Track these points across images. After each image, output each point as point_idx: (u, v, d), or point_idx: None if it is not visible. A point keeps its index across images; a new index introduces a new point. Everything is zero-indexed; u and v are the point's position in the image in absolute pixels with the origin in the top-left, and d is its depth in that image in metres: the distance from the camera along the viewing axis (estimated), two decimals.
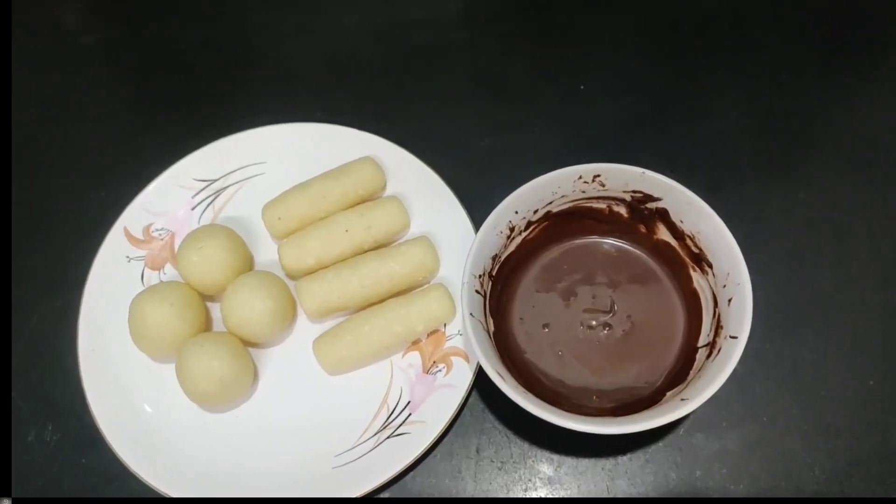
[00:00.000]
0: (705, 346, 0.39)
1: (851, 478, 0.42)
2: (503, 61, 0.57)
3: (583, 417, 0.35)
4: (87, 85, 0.58)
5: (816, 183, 0.51)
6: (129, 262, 0.48)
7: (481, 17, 0.60)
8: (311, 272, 0.46)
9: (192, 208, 0.50)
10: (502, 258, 0.42)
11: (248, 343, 0.45)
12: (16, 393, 0.46)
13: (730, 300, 0.37)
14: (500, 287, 0.43)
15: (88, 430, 0.43)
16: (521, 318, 0.43)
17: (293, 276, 0.46)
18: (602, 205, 0.42)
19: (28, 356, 0.47)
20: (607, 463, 0.42)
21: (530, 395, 0.36)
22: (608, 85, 0.56)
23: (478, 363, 0.42)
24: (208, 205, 0.50)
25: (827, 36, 0.58)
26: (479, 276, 0.39)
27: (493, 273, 0.41)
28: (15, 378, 0.46)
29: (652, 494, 0.42)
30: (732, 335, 0.36)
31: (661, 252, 0.43)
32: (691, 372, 0.39)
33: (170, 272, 0.48)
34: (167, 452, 0.42)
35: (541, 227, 0.43)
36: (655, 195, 0.40)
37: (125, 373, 0.44)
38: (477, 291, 0.39)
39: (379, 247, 0.47)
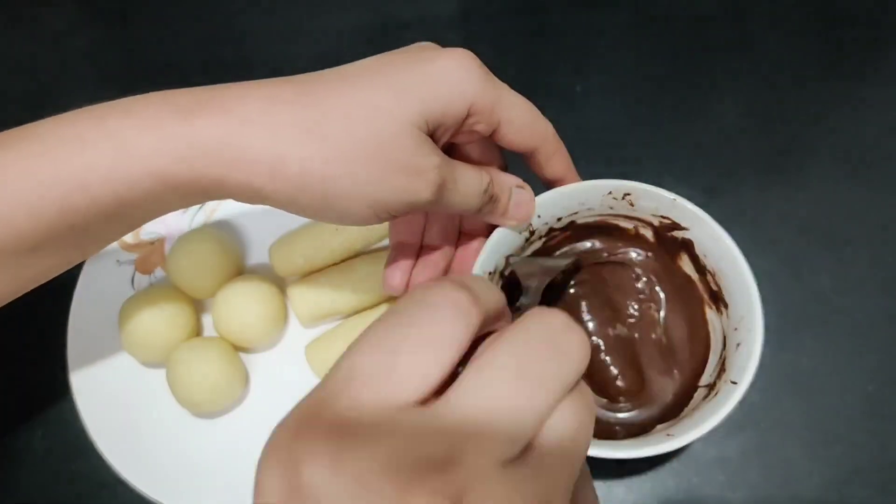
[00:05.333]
0: (705, 385, 0.38)
1: (851, 485, 0.41)
2: (498, 62, 0.56)
3: None
4: (76, 87, 0.58)
5: (816, 186, 0.50)
6: (119, 265, 0.47)
7: (476, 17, 0.59)
8: (301, 272, 0.45)
9: (184, 212, 0.49)
10: None
11: (239, 348, 0.44)
12: (4, 400, 0.45)
13: (738, 344, 0.36)
14: (510, 288, 0.42)
15: (78, 437, 0.42)
16: None
17: (284, 277, 0.46)
18: (629, 224, 0.41)
19: (16, 362, 0.46)
20: (603, 468, 0.42)
21: None
22: (605, 86, 0.55)
23: None
24: (199, 208, 0.49)
25: (826, 37, 0.57)
26: (490, 273, 0.39)
27: (506, 273, 0.41)
28: (3, 384, 0.46)
29: (649, 501, 0.41)
30: (733, 381, 0.35)
31: (680, 283, 0.42)
32: (686, 409, 0.38)
33: (160, 276, 0.47)
34: (158, 458, 0.42)
35: (563, 235, 0.42)
36: (683, 224, 0.39)
37: (115, 378, 0.44)
38: None
39: (371, 246, 0.46)
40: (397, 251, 0.38)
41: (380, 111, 0.29)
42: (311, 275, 0.45)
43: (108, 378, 0.44)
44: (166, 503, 0.40)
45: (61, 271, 0.33)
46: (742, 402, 0.43)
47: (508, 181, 0.36)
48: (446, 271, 0.39)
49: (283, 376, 0.45)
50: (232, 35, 0.60)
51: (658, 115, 0.54)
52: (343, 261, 0.45)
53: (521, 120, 0.33)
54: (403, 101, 0.29)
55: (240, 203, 0.48)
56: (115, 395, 0.43)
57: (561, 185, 0.38)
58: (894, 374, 0.44)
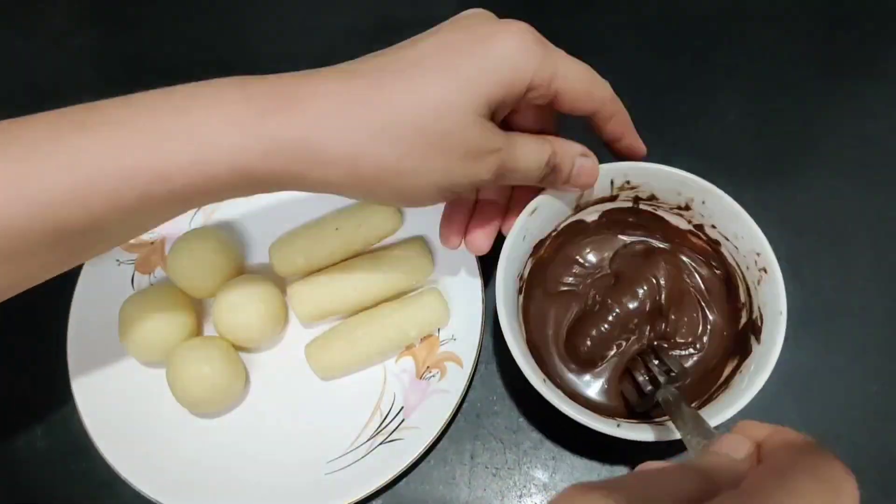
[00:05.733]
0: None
1: None
2: None
3: (596, 416, 0.36)
4: (77, 86, 0.58)
5: (817, 185, 0.50)
6: (119, 265, 0.47)
7: None
8: (301, 272, 0.45)
9: None
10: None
11: (239, 348, 0.44)
12: (4, 399, 0.45)
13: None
14: (548, 253, 0.44)
15: (78, 437, 0.42)
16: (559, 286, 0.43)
17: (284, 277, 0.46)
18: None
19: (16, 361, 0.46)
20: (603, 468, 0.42)
21: (536, 368, 0.37)
22: None
23: (472, 368, 0.42)
24: (199, 208, 0.49)
25: (828, 36, 0.57)
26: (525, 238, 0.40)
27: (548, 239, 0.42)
28: (3, 384, 0.46)
29: None
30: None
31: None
32: (713, 388, 0.39)
33: (160, 276, 0.47)
34: (158, 458, 0.42)
35: (641, 215, 0.44)
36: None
37: (115, 378, 0.44)
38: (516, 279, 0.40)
39: (370, 246, 0.46)
40: (452, 207, 0.39)
41: (446, 105, 0.30)
42: (311, 274, 0.45)
43: (108, 378, 0.44)
44: (166, 503, 0.40)
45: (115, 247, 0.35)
46: None
47: (572, 150, 0.37)
48: (500, 225, 0.40)
49: (283, 376, 0.45)
50: (232, 35, 0.60)
51: (657, 116, 0.54)
52: (343, 261, 0.45)
53: (579, 88, 0.34)
54: (468, 92, 0.30)
55: (240, 203, 0.49)
56: (115, 395, 0.43)
57: (618, 145, 0.38)
58: (895, 373, 0.44)
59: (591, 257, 0.44)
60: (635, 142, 0.39)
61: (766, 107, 0.54)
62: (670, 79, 0.56)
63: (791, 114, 0.54)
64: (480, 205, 0.40)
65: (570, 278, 0.44)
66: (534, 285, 0.43)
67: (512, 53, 0.31)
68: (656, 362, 0.38)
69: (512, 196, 0.41)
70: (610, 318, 0.41)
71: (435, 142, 0.30)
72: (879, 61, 0.56)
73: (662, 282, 0.42)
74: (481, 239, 0.39)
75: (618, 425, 0.36)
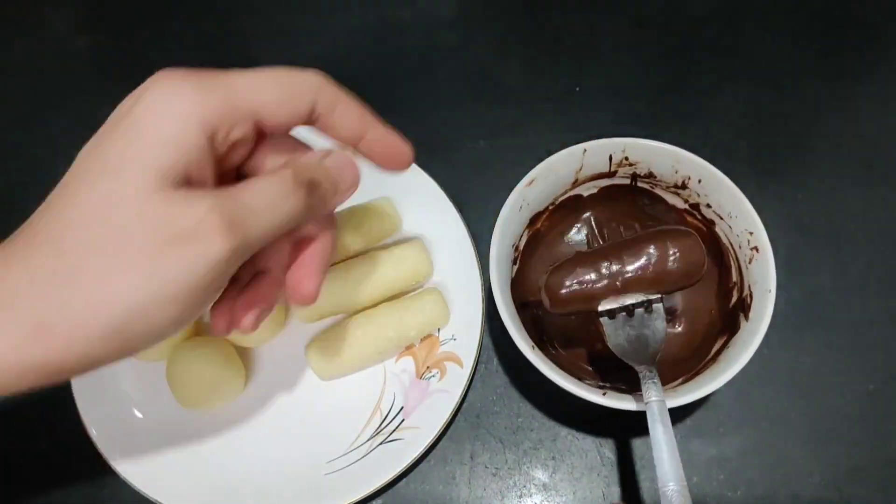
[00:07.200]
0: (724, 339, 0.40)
1: (851, 484, 0.41)
2: (497, 63, 0.57)
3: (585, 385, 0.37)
4: (79, 88, 0.58)
5: (814, 185, 0.50)
6: None
7: (475, 17, 0.59)
8: None
9: None
10: (558, 202, 0.44)
11: (239, 347, 0.44)
12: (4, 400, 0.45)
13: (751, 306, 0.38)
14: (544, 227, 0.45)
15: (78, 436, 0.42)
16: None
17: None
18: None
19: None
20: (603, 469, 0.42)
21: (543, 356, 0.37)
22: (604, 86, 0.55)
23: (472, 368, 0.42)
24: None
25: (825, 37, 0.57)
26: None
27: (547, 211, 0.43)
28: None
29: (648, 501, 0.41)
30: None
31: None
32: (700, 364, 0.39)
33: None
34: (158, 458, 0.42)
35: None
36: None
37: (115, 378, 0.44)
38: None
39: (369, 247, 0.46)
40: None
41: (105, 202, 0.24)
42: None
43: (108, 378, 0.44)
44: (166, 503, 0.40)
45: None
46: (742, 401, 0.43)
47: (312, 157, 0.29)
48: (275, 297, 0.31)
49: (284, 376, 0.45)
50: (233, 35, 0.60)
51: (656, 116, 0.54)
52: (343, 261, 0.46)
53: (273, 97, 0.28)
54: (124, 174, 0.24)
55: None
56: (116, 395, 0.43)
57: (365, 148, 0.30)
58: (894, 372, 0.44)
59: (585, 231, 0.45)
60: (385, 137, 0.30)
61: (766, 107, 0.54)
62: (669, 79, 0.56)
63: (791, 114, 0.54)
64: (256, 277, 0.31)
65: (565, 249, 0.45)
66: (528, 255, 0.44)
67: (158, 109, 0.26)
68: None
69: (293, 254, 0.32)
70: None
71: (103, 247, 0.23)
72: (878, 62, 0.56)
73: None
74: (248, 318, 0.30)
75: (603, 394, 0.36)
